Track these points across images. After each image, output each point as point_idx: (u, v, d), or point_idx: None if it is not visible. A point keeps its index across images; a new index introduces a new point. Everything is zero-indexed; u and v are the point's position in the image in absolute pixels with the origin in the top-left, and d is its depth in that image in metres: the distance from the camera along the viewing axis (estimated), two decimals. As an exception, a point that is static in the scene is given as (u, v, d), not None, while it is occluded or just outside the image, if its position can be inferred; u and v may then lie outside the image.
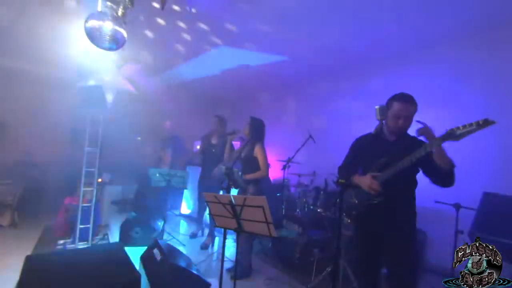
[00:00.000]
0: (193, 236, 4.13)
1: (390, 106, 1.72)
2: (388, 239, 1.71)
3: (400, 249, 1.68)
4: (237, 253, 2.38)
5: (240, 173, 2.92)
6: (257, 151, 2.93)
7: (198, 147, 3.92)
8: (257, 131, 3.00)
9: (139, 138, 4.29)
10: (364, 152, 1.87)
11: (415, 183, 1.77)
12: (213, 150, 3.80)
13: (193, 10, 3.10)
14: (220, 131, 3.83)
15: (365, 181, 1.69)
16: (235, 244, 3.11)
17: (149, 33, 3.66)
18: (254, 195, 2.78)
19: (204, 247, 3.70)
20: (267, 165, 2.96)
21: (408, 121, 1.68)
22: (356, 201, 1.84)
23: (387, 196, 1.66)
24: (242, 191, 2.92)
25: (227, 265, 3.09)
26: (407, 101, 1.66)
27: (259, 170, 2.93)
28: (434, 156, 1.52)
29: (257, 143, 2.95)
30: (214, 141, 3.88)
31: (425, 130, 1.54)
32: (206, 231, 4.09)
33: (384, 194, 1.65)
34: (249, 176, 2.89)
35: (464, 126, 1.34)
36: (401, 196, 1.71)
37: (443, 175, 1.56)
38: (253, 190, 2.88)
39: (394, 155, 1.63)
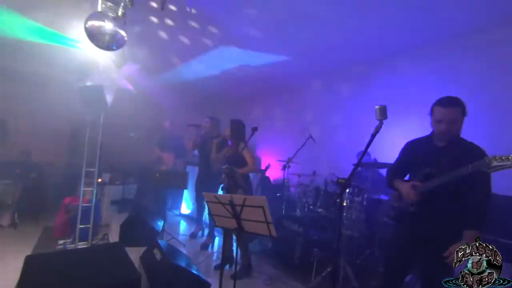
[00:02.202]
0: (193, 236, 4.13)
1: (432, 111, 1.65)
2: (424, 249, 1.66)
3: (435, 263, 1.59)
4: (237, 252, 2.39)
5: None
6: (244, 149, 3.05)
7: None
8: (239, 132, 3.18)
9: (132, 135, 4.31)
10: (412, 157, 1.80)
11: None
12: (207, 151, 3.79)
13: (194, 11, 3.11)
14: (213, 132, 3.83)
15: (405, 188, 1.68)
16: (234, 244, 3.12)
17: (149, 33, 3.66)
18: (244, 190, 2.88)
19: (204, 247, 3.70)
20: (255, 161, 3.10)
21: (452, 126, 1.57)
22: (395, 205, 1.85)
23: (426, 206, 1.62)
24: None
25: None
26: (445, 105, 1.57)
27: (246, 166, 3.04)
28: None
29: (241, 142, 3.10)
30: (207, 142, 3.88)
31: None
32: (206, 231, 4.09)
33: (422, 204, 1.63)
34: (241, 171, 2.97)
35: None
36: (444, 207, 1.62)
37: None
38: (243, 186, 2.91)
39: (441, 164, 1.58)
